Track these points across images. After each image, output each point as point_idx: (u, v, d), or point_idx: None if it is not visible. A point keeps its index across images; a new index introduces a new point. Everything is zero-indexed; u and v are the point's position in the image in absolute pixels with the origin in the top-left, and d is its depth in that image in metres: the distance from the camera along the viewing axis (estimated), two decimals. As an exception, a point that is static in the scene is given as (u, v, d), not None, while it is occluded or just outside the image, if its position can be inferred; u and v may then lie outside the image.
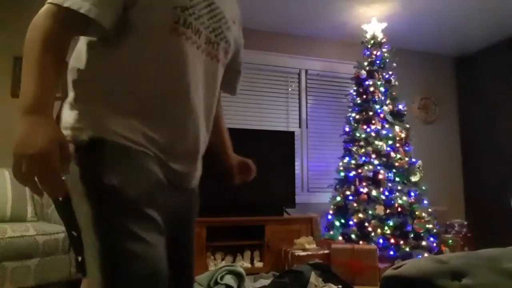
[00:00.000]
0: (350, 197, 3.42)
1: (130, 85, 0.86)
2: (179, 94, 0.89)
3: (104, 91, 0.86)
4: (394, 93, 3.76)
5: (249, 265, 3.22)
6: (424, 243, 3.25)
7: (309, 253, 3.05)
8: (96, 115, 0.84)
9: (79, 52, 0.90)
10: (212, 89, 1.00)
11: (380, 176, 3.38)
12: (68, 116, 0.87)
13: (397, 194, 3.35)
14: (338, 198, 3.52)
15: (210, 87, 0.98)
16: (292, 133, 3.79)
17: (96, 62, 0.87)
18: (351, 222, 3.32)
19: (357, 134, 3.59)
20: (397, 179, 3.45)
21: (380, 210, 3.28)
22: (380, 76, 3.72)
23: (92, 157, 0.82)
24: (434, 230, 3.36)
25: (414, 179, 3.52)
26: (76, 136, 0.83)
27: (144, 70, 0.86)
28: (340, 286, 2.50)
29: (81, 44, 0.90)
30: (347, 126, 3.76)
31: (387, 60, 3.79)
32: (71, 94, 0.89)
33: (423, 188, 3.53)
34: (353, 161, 3.54)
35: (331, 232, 3.44)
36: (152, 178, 0.85)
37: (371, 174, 3.40)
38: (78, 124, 0.84)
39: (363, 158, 3.49)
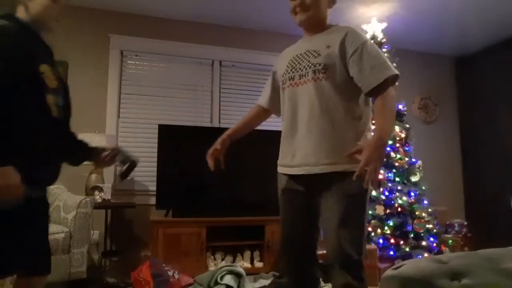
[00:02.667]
0: (350, 197, 3.41)
1: None
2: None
3: None
4: (394, 93, 3.75)
5: (249, 265, 3.21)
6: (424, 243, 3.25)
7: (309, 253, 3.04)
8: None
9: None
10: (313, 101, 1.51)
11: (380, 176, 3.38)
12: None
13: (397, 194, 3.35)
14: (338, 198, 3.51)
15: (311, 101, 1.51)
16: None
17: None
18: (351, 222, 3.32)
19: (357, 134, 3.59)
20: (397, 179, 3.45)
21: (380, 210, 3.28)
22: (380, 76, 3.72)
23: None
24: (434, 230, 3.36)
25: (414, 179, 3.52)
26: None
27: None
28: (340, 286, 2.49)
29: None
30: (347, 126, 3.75)
31: (387, 60, 3.79)
32: None
33: (423, 188, 3.52)
34: (353, 161, 3.53)
35: (331, 232, 3.44)
36: (281, 186, 1.61)
37: (371, 174, 3.39)
38: None
39: (363, 158, 3.49)
